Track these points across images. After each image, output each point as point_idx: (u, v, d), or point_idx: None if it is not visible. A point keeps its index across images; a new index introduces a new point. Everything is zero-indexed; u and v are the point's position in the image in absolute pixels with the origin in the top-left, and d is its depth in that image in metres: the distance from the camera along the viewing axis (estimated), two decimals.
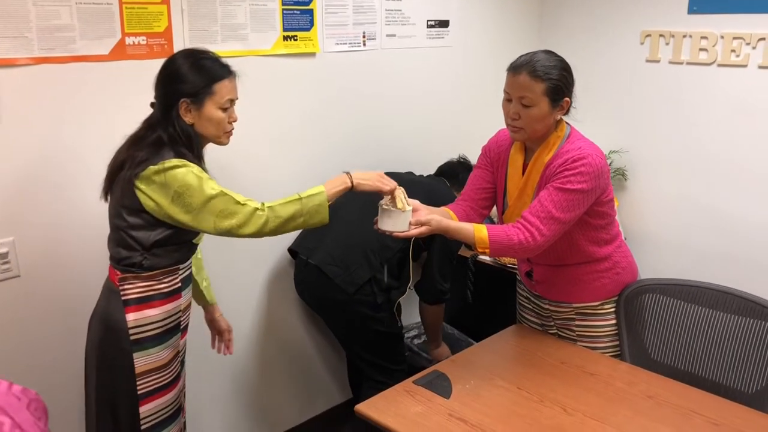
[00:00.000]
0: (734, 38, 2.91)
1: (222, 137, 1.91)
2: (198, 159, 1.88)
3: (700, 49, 3.02)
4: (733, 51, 2.93)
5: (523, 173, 2.12)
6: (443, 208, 2.18)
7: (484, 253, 1.96)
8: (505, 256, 2.21)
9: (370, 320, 2.56)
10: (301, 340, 2.97)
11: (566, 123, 2.10)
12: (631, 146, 3.30)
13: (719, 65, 2.98)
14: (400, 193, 1.90)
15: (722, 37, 2.95)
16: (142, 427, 1.91)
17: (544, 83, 1.95)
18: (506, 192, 2.19)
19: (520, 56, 2.02)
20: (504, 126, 2.13)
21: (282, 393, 2.95)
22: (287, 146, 2.70)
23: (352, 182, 1.93)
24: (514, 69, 1.99)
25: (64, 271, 2.17)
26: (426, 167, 3.04)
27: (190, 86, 1.82)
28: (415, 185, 2.41)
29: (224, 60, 1.89)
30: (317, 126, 2.78)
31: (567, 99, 2.02)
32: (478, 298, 3.27)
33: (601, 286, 2.20)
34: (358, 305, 2.52)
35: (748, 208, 2.98)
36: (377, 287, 2.53)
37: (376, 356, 2.64)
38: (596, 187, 2.00)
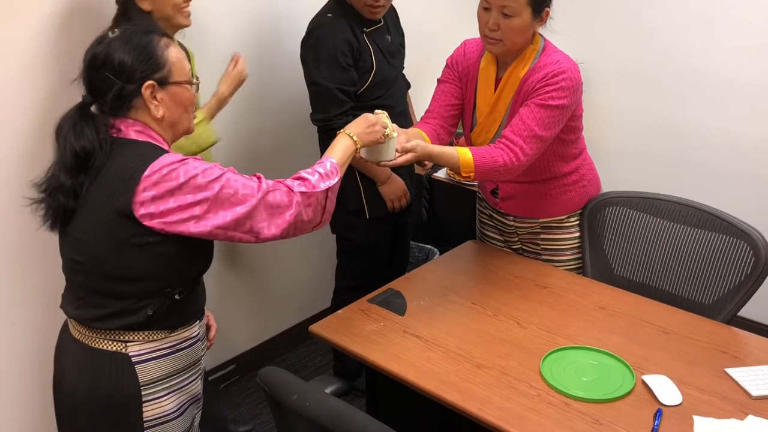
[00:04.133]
0: None
1: None
2: None
3: None
4: None
5: (496, 89, 2.04)
6: (414, 129, 2.07)
7: (468, 178, 1.88)
8: (488, 179, 2.14)
9: (345, 228, 2.54)
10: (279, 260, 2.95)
11: (540, 35, 2.01)
12: (587, 57, 3.20)
13: None
14: (385, 116, 1.75)
15: None
16: None
17: None
18: (476, 108, 2.10)
19: None
20: (469, 36, 2.03)
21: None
22: None
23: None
24: None
25: None
26: None
27: None
28: None
29: None
30: None
31: (547, 9, 1.93)
32: (434, 216, 3.26)
33: (568, 199, 2.18)
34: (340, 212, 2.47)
35: (709, 118, 2.91)
36: (351, 191, 2.42)
37: (345, 267, 2.64)
38: (574, 102, 1.95)
